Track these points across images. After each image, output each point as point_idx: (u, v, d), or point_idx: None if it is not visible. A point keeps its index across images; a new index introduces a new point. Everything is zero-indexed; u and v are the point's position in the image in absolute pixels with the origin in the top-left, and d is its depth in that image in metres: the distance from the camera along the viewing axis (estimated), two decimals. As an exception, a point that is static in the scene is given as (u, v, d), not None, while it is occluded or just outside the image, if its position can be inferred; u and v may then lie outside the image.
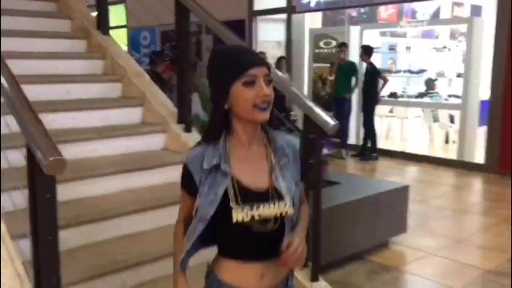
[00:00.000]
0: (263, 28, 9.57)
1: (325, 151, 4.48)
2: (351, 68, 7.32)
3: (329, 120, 2.46)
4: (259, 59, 1.22)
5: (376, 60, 7.66)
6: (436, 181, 6.25)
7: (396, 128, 8.77)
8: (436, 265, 3.65)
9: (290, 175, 1.27)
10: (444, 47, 7.40)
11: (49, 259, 1.74)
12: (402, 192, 4.07)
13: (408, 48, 7.88)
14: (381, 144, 7.79)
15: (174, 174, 3.06)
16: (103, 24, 3.98)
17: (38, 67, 3.55)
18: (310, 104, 2.54)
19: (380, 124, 8.25)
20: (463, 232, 4.44)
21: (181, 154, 3.25)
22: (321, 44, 8.68)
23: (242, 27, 9.48)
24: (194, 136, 3.31)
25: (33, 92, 2.47)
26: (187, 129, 3.33)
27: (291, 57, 9.26)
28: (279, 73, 2.83)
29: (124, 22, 12.22)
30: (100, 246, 2.54)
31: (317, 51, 8.74)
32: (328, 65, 8.33)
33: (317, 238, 2.63)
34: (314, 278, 2.66)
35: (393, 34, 8.24)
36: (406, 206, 4.07)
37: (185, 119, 3.32)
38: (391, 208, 3.97)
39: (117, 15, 11.96)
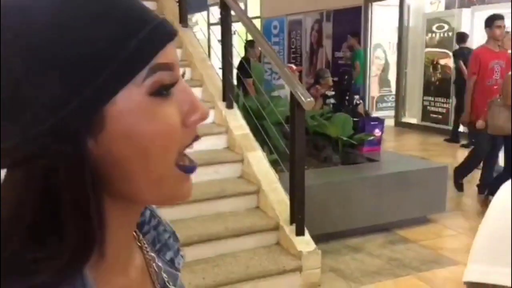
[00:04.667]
0: (380, 13, 9.66)
1: (377, 132, 4.76)
2: None
3: (304, 97, 2.91)
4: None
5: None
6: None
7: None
8: (457, 243, 3.76)
9: None
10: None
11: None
12: (440, 172, 4.19)
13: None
14: None
15: (215, 141, 3.85)
16: (183, 18, 4.83)
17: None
18: (295, 82, 3.02)
19: None
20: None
21: (222, 126, 3.97)
22: (434, 28, 8.50)
23: (358, 13, 9.72)
24: (235, 112, 4.00)
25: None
26: (229, 106, 4.00)
27: (407, 42, 9.24)
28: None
29: (258, 13, 13.18)
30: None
31: (430, 35, 8.58)
32: (442, 50, 8.20)
33: (300, 198, 3.10)
34: (299, 233, 3.13)
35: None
36: (445, 185, 4.18)
37: (227, 98, 4.00)
38: (428, 186, 4.12)
39: (253, 5, 13.04)
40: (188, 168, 0.47)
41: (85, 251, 0.39)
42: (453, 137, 7.49)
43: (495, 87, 4.71)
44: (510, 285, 0.56)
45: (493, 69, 4.85)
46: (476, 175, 4.93)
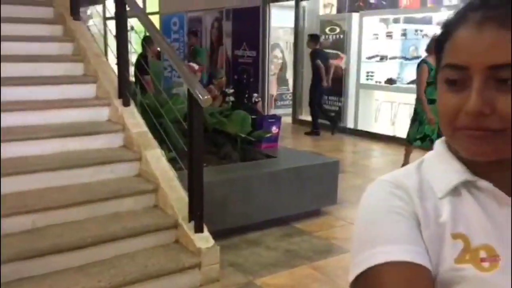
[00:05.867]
0: (277, 14, 9.96)
1: (274, 129, 4.92)
2: None
3: (201, 95, 2.93)
4: None
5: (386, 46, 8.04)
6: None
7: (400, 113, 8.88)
8: (347, 233, 4.02)
9: None
10: (435, 34, 7.47)
11: None
12: (332, 166, 4.45)
13: (403, 34, 8.00)
14: (373, 127, 8.07)
15: (111, 139, 3.74)
16: (75, 11, 4.61)
17: (24, 48, 4.23)
18: (192, 80, 3.03)
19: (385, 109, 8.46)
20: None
21: (118, 124, 3.87)
22: (327, 30, 8.96)
23: (256, 13, 9.94)
24: (132, 109, 3.92)
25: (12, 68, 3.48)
26: (126, 103, 3.90)
27: (303, 43, 9.62)
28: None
29: (157, 9, 12.92)
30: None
31: (324, 37, 9.02)
32: (335, 51, 8.70)
33: (199, 195, 3.12)
34: (198, 230, 3.16)
35: (396, 21, 8.36)
36: (336, 179, 4.44)
37: (123, 95, 3.89)
38: (321, 180, 4.36)
39: (151, 1, 12.77)
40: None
41: None
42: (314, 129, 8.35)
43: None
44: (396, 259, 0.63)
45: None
46: (361, 167, 5.28)
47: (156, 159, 3.60)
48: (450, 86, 0.66)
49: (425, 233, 0.67)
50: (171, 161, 3.69)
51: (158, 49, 6.76)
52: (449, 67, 0.66)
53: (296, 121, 9.54)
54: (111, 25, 4.28)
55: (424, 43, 7.79)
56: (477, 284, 0.64)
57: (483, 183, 0.68)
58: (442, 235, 0.67)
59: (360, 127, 8.34)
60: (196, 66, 7.94)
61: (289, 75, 10.26)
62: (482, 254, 0.65)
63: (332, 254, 3.63)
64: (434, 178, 0.72)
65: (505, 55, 0.61)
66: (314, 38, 8.29)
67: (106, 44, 6.16)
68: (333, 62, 8.51)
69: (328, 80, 8.19)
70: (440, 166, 0.73)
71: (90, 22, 9.76)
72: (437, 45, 0.71)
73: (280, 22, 10.08)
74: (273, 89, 10.48)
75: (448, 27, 0.68)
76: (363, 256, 0.66)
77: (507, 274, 0.63)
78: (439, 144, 0.76)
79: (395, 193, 0.71)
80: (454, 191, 0.69)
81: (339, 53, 8.73)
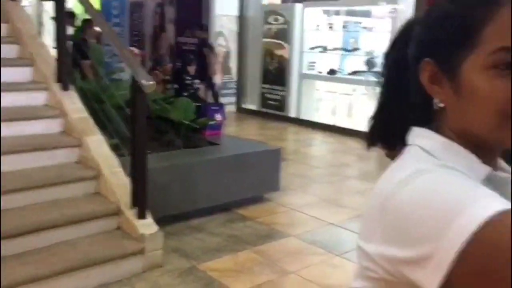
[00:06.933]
0: (221, 2, 9.92)
1: (218, 117, 4.95)
2: None
3: (145, 80, 2.91)
4: None
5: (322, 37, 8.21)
6: (346, 151, 6.71)
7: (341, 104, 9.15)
8: (288, 218, 4.15)
9: None
10: (374, 27, 7.76)
11: None
12: (274, 154, 4.55)
13: (344, 26, 8.23)
14: (316, 117, 8.30)
15: (49, 125, 3.62)
16: (9, -8, 4.39)
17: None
18: (136, 65, 3.00)
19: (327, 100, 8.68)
20: (335, 194, 4.90)
21: (57, 109, 3.76)
22: (271, 20, 9.04)
23: (200, 0, 9.85)
24: (72, 94, 3.81)
25: None
26: (65, 88, 3.79)
27: (247, 32, 9.66)
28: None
29: (96, -9, 12.46)
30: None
31: (267, 26, 9.11)
32: (278, 41, 8.79)
33: (142, 181, 3.11)
34: (141, 216, 3.15)
35: (337, 13, 8.58)
36: (278, 166, 4.55)
37: (62, 79, 3.78)
38: (264, 168, 4.44)
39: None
40: None
41: None
42: None
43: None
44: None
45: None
46: (303, 155, 5.41)
47: (98, 145, 3.54)
48: (502, 72, 0.62)
49: None
50: (114, 147, 3.63)
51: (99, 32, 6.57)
52: (504, 51, 0.61)
53: (240, 109, 9.60)
54: (47, 6, 4.12)
55: (363, 36, 8.09)
56: None
57: (503, 175, 0.69)
58: None
59: (302, 116, 8.52)
60: (136, 51, 7.78)
61: (233, 63, 10.27)
62: None
63: (274, 238, 3.73)
64: (463, 168, 0.65)
65: None
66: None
67: (40, 25, 5.89)
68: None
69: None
70: (455, 156, 0.67)
71: (26, 3, 9.30)
72: (457, 33, 0.65)
73: (224, 10, 10.04)
74: (217, 77, 10.46)
75: (479, 11, 0.64)
76: (470, 212, 0.54)
77: None
78: (430, 133, 0.71)
79: (451, 168, 0.64)
80: (483, 183, 0.65)
81: (282, 43, 8.85)
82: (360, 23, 8.08)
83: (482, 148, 0.67)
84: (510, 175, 0.69)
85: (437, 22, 0.68)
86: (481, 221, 0.52)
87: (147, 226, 3.15)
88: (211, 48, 8.68)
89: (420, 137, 0.71)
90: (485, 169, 0.67)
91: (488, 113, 0.63)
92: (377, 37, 7.63)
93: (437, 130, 0.71)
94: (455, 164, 0.66)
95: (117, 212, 3.22)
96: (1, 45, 4.11)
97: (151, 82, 2.98)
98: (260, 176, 4.41)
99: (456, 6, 0.67)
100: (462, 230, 0.53)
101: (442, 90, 0.69)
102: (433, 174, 0.63)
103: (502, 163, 0.74)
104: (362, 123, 6.40)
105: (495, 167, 0.70)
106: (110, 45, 8.35)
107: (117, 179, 3.36)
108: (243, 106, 9.67)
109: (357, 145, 6.89)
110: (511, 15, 0.61)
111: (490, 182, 0.66)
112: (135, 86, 2.98)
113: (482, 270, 0.53)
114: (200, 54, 8.43)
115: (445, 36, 0.67)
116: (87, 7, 3.49)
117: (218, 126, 4.92)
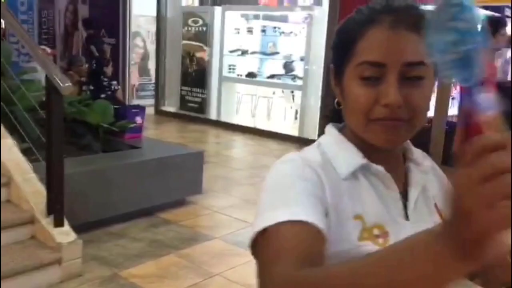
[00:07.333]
0: (138, 2, 9.70)
1: (138, 119, 4.84)
2: None
3: (61, 82, 2.78)
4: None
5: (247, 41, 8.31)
6: (266, 153, 6.85)
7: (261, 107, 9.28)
8: (211, 220, 4.15)
9: None
10: (291, 32, 7.99)
11: None
12: (196, 157, 4.53)
13: (263, 31, 8.39)
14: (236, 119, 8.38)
15: None
16: None
17: None
18: (50, 65, 2.85)
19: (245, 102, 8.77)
20: (257, 195, 4.98)
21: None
22: (190, 22, 8.98)
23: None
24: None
25: None
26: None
27: (166, 33, 9.50)
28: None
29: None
30: None
31: (186, 28, 9.04)
32: (198, 43, 8.75)
33: (59, 188, 2.96)
34: (58, 224, 2.99)
35: (256, 17, 8.72)
36: (201, 169, 4.53)
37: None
38: (186, 170, 4.41)
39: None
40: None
41: None
42: None
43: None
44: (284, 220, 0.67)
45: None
46: (224, 157, 5.42)
47: (7, 149, 3.31)
48: (364, 81, 0.72)
49: (329, 210, 0.72)
50: (25, 152, 3.42)
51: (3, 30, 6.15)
52: (366, 64, 0.72)
53: (159, 111, 9.43)
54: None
55: (281, 40, 8.30)
56: None
57: (377, 167, 0.77)
58: (345, 214, 0.74)
59: (222, 119, 8.56)
60: (48, 50, 7.37)
61: (151, 65, 10.08)
62: (376, 231, 0.74)
63: (198, 241, 3.71)
64: (336, 160, 0.78)
65: (416, 54, 0.70)
66: None
67: None
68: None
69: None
70: (339, 149, 0.80)
71: None
72: (342, 46, 0.76)
73: (141, 10, 9.82)
74: (134, 78, 10.20)
75: (357, 29, 0.74)
76: (267, 215, 0.69)
77: None
78: (331, 128, 0.84)
79: (308, 165, 0.76)
80: (353, 174, 0.77)
81: (202, 45, 8.83)
82: (278, 28, 8.27)
83: (367, 143, 0.77)
84: (382, 169, 0.78)
85: (336, 34, 0.80)
86: (269, 224, 0.67)
87: (65, 234, 3.01)
88: (98, 43, 8.48)
89: (325, 132, 0.85)
90: (361, 161, 0.77)
91: (357, 116, 0.75)
92: (295, 41, 7.87)
93: (344, 126, 0.83)
94: (335, 154, 0.79)
95: (31, 221, 3.04)
96: None
97: (68, 84, 2.85)
98: (183, 179, 4.37)
99: (347, 22, 0.78)
100: (258, 224, 0.69)
101: (339, 92, 0.81)
102: (286, 165, 0.78)
103: (419, 157, 0.84)
104: (280, 125, 6.63)
105: (388, 166, 0.78)
106: (17, 42, 7.88)
107: (30, 185, 3.17)
108: (162, 108, 9.52)
109: (276, 147, 7.07)
110: (377, 34, 0.72)
111: (367, 170, 0.78)
112: (51, 87, 2.84)
113: (257, 257, 0.69)
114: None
115: (337, 46, 0.79)
116: (-5, 2, 3.26)
117: (138, 129, 4.80)
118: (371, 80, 0.72)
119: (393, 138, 0.74)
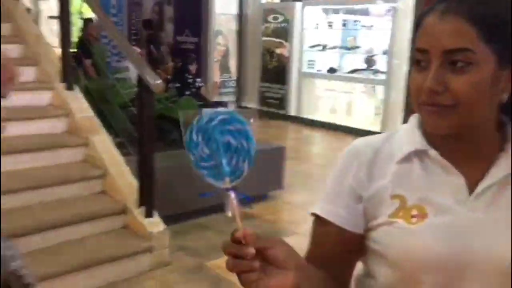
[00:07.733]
0: (219, 1, 9.91)
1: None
2: None
3: (152, 80, 2.92)
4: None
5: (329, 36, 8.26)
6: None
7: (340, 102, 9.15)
8: (292, 216, 4.16)
9: None
10: (372, 26, 7.77)
11: None
12: (278, 152, 4.56)
13: (344, 25, 8.24)
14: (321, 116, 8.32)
15: (54, 125, 3.62)
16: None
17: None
18: (143, 64, 3.00)
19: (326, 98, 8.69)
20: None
21: (62, 108, 3.76)
22: (270, 18, 9.05)
23: (199, -1, 9.84)
24: (76, 94, 3.81)
25: None
26: (69, 87, 3.79)
27: (247, 30, 9.66)
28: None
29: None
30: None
31: (266, 25, 9.11)
32: (278, 39, 8.80)
33: (150, 180, 3.12)
34: (148, 215, 3.15)
35: (335, 11, 8.59)
36: (282, 165, 4.56)
37: (67, 79, 3.78)
38: (268, 166, 4.45)
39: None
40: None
41: None
42: None
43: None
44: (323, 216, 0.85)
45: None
46: (304, 153, 5.40)
47: (103, 144, 3.54)
48: (417, 67, 0.75)
49: (365, 194, 0.82)
50: (118, 146, 3.64)
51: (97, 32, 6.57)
52: (416, 50, 0.76)
53: (239, 108, 9.61)
54: (43, 5, 4.11)
55: (361, 34, 8.11)
56: (403, 232, 0.77)
57: (432, 152, 0.79)
58: (382, 195, 0.80)
59: (302, 115, 8.54)
60: (138, 50, 7.77)
61: (232, 62, 10.27)
62: (414, 212, 0.78)
63: (279, 235, 3.73)
64: (397, 146, 0.83)
65: (459, 41, 0.70)
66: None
67: (37, 24, 5.89)
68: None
69: None
70: (405, 135, 0.84)
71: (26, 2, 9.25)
72: (414, 32, 0.79)
73: (222, 9, 10.03)
74: (216, 76, 10.46)
75: (421, 16, 0.77)
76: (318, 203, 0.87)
77: (429, 229, 0.76)
78: (413, 118, 0.86)
79: (354, 155, 0.85)
80: (408, 158, 0.80)
81: (282, 41, 8.86)
82: (359, 21, 8.09)
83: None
84: (437, 154, 0.79)
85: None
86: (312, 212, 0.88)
87: (154, 224, 3.16)
88: (157, 43, 8.69)
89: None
90: (412, 147, 0.81)
91: (412, 100, 0.78)
92: (376, 35, 7.65)
93: None
94: (399, 140, 0.84)
95: (124, 211, 3.23)
96: (5, 45, 4.11)
97: (159, 81, 2.98)
98: (265, 174, 4.41)
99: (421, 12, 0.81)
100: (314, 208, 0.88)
101: None
102: (340, 159, 0.88)
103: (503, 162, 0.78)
104: (361, 121, 6.47)
105: (451, 152, 0.79)
106: (108, 43, 8.39)
107: (123, 178, 3.36)
108: (243, 104, 9.67)
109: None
110: (429, 21, 0.73)
111: (424, 155, 0.80)
112: (143, 85, 2.99)
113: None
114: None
115: (413, 35, 0.81)
116: (94, 7, 3.49)
117: (221, 125, 4.91)
118: (420, 65, 0.75)
119: (436, 124, 0.75)
